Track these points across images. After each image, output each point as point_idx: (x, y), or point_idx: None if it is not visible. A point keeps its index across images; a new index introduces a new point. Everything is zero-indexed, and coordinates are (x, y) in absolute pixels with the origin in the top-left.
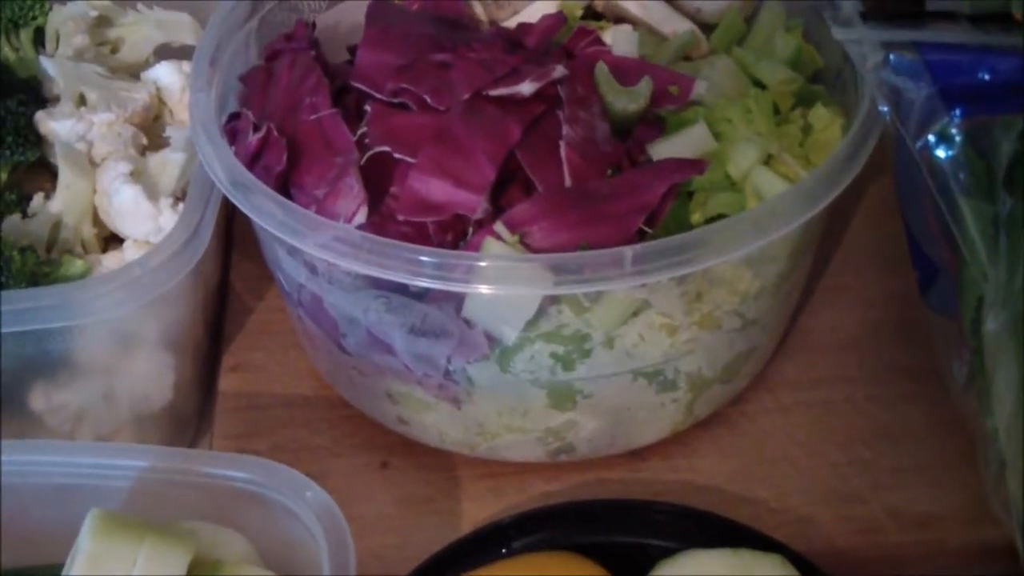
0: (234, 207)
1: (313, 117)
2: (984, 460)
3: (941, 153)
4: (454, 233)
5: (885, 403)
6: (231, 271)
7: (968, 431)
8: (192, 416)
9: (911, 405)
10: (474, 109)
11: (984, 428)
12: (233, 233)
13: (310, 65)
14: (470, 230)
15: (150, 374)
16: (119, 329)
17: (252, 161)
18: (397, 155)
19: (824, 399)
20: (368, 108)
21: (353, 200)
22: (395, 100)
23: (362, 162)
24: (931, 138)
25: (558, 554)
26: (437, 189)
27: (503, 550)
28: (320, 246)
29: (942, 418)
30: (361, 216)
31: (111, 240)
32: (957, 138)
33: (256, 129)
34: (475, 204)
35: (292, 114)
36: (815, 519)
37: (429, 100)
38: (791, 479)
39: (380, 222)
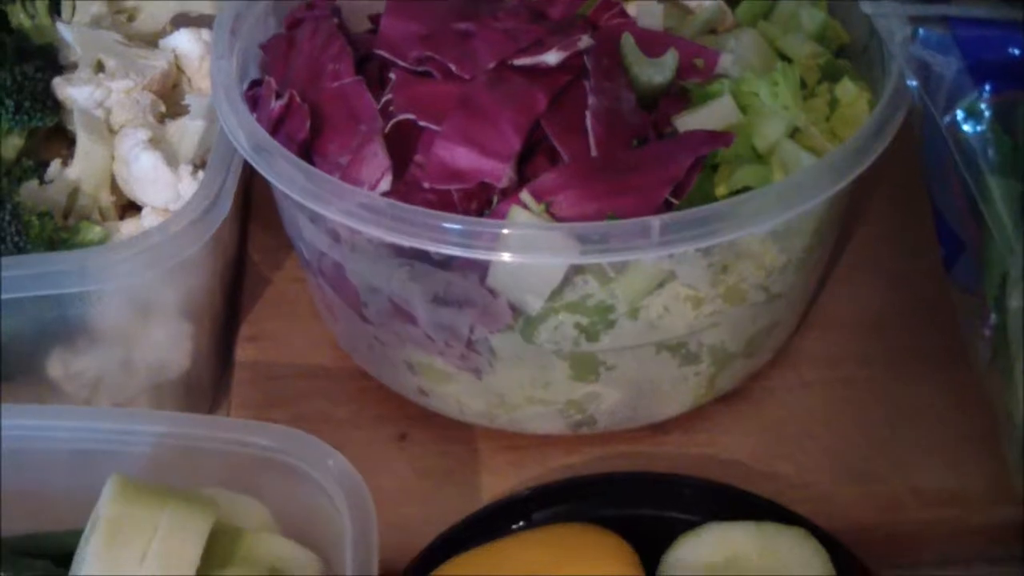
0: (252, 177)
1: (336, 84)
2: (1007, 438)
3: (969, 129)
4: (479, 202)
5: (907, 381)
6: (248, 242)
7: (991, 409)
8: (209, 386)
9: (933, 383)
10: (499, 78)
11: (1007, 406)
12: (251, 203)
13: (333, 33)
14: (495, 199)
15: (167, 342)
16: (137, 296)
17: (274, 128)
18: (422, 123)
19: (846, 376)
20: (392, 76)
21: (377, 167)
22: (419, 68)
23: (386, 130)
24: (959, 114)
25: (579, 526)
26: (463, 157)
27: (523, 522)
28: (344, 212)
29: (964, 397)
30: (385, 184)
31: (128, 208)
32: (986, 114)
33: (278, 96)
34: (501, 172)
35: (315, 82)
36: (837, 496)
37: (454, 68)
38: (813, 456)
39: (405, 190)
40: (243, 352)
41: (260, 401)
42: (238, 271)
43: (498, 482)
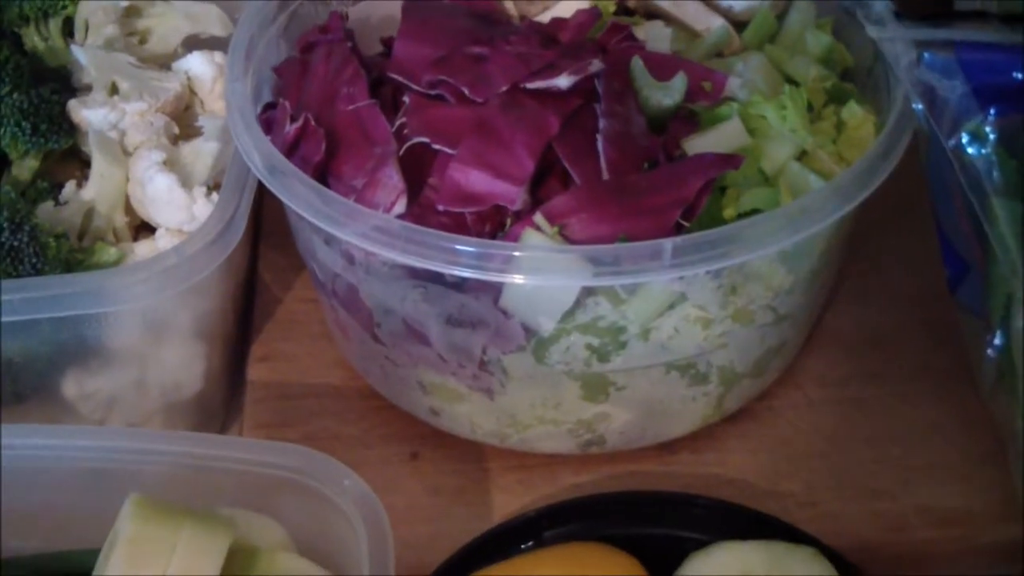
0: (263, 198)
1: (351, 108)
2: (1013, 458)
3: (974, 152)
4: (492, 224)
5: (913, 400)
6: (259, 262)
7: (997, 429)
8: (220, 406)
9: (939, 402)
10: (513, 102)
11: (1013, 426)
12: (261, 224)
13: (347, 56)
14: (508, 221)
15: (181, 363)
16: (152, 317)
17: (289, 151)
18: (436, 146)
19: (852, 395)
20: (406, 99)
21: (392, 190)
22: (432, 92)
23: (400, 153)
24: (964, 136)
25: (590, 545)
26: (477, 180)
27: (534, 541)
28: (359, 235)
29: (970, 416)
30: (400, 206)
31: (142, 228)
32: (990, 137)
33: (293, 119)
34: (515, 195)
35: (329, 105)
36: (844, 515)
37: (467, 92)
38: (819, 475)
39: (419, 212)
40: (255, 372)
41: (272, 421)
42: (250, 291)
43: (509, 501)
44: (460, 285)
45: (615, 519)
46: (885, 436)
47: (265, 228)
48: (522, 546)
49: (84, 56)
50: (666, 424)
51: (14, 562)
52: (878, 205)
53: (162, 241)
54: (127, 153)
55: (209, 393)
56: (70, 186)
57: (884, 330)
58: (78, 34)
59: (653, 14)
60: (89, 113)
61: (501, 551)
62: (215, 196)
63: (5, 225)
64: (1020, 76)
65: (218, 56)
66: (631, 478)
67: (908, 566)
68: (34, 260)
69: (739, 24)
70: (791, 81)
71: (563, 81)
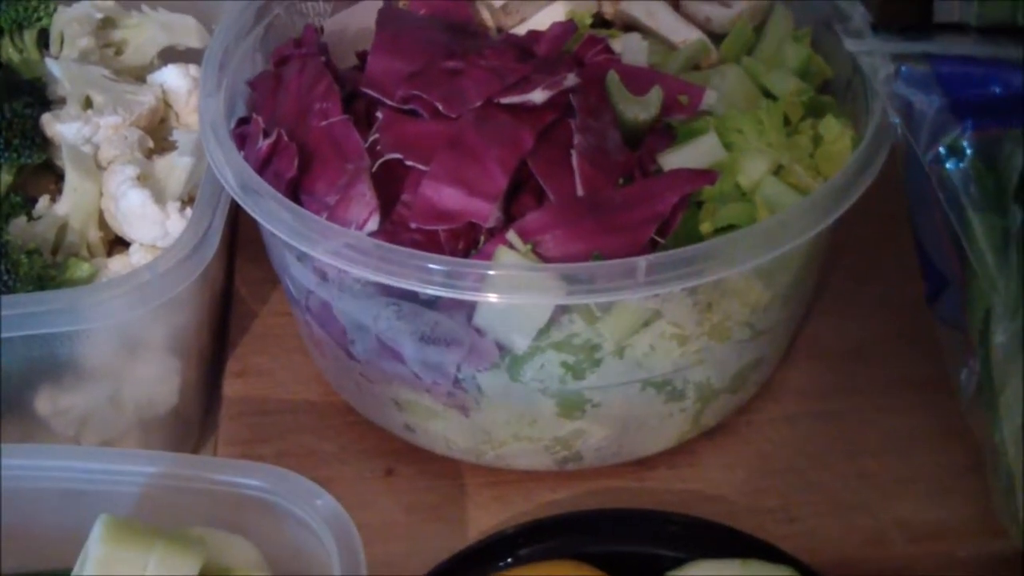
0: (238, 210)
1: (324, 123)
2: (993, 472)
3: (951, 165)
4: (466, 241)
5: (892, 413)
6: (235, 275)
7: (976, 442)
8: (196, 421)
9: (918, 415)
10: (486, 117)
11: (992, 440)
12: (237, 237)
13: (320, 71)
14: (482, 238)
15: (155, 378)
16: (125, 333)
17: (262, 167)
18: (409, 162)
19: (830, 409)
20: (379, 115)
21: (365, 207)
22: (406, 107)
23: (373, 169)
24: (942, 150)
25: (566, 563)
26: (449, 197)
27: (510, 559)
28: (331, 253)
29: (950, 428)
30: (373, 223)
31: (116, 243)
32: (968, 151)
33: (266, 135)
34: (487, 212)
35: (302, 120)
36: (822, 530)
37: (440, 107)
38: (798, 490)
39: (392, 229)
40: (230, 387)
41: (247, 437)
42: (225, 304)
43: (484, 517)
44: (433, 303)
45: (592, 537)
46: (864, 450)
47: (241, 240)
48: (499, 564)
49: (58, 69)
50: (643, 440)
51: None
52: (856, 217)
53: (136, 256)
54: (101, 167)
55: (184, 409)
56: (43, 201)
57: (863, 343)
58: (53, 46)
59: (630, 26)
60: (63, 127)
61: (477, 569)
62: (189, 211)
63: None
64: (998, 90)
65: (193, 69)
66: (608, 494)
67: None
68: (5, 278)
69: (716, 36)
70: (768, 94)
71: (537, 96)
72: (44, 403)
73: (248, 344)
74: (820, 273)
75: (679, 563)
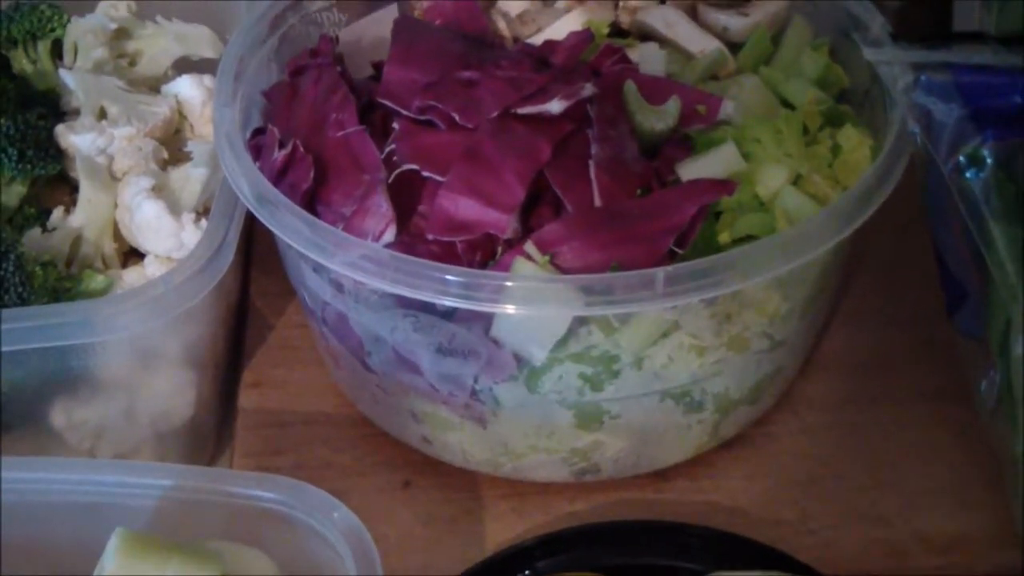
0: (254, 221)
1: (340, 134)
2: (1012, 484)
3: (971, 175)
4: (483, 252)
5: (911, 425)
6: (251, 286)
7: (996, 454)
8: (212, 433)
9: (937, 427)
10: (503, 127)
11: (1012, 452)
12: (253, 248)
13: (336, 81)
14: (499, 249)
15: (171, 391)
16: (141, 345)
17: (278, 177)
18: (426, 173)
19: (849, 420)
20: (396, 126)
21: (381, 218)
22: (422, 117)
23: (389, 180)
24: (962, 160)
25: (585, 575)
26: (467, 208)
27: (528, 571)
28: (348, 264)
29: (969, 440)
30: (389, 235)
31: (130, 255)
32: (988, 161)
33: (282, 145)
34: (505, 224)
35: (318, 131)
36: (841, 542)
37: (457, 118)
38: (817, 501)
39: (408, 241)
40: (246, 399)
41: (263, 448)
42: (241, 316)
43: (502, 530)
44: (451, 314)
45: (610, 549)
46: (883, 461)
47: (257, 252)
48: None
49: (72, 80)
50: (661, 452)
51: None
52: (875, 227)
53: (151, 268)
54: (115, 179)
55: (200, 421)
56: (58, 212)
57: (882, 353)
58: (67, 56)
59: (647, 36)
60: (77, 138)
61: None
62: (204, 222)
63: None
64: (1018, 99)
65: (207, 79)
66: (626, 506)
67: None
68: (20, 290)
69: (734, 45)
70: (787, 104)
71: (555, 106)
72: (59, 416)
73: (264, 356)
74: (839, 284)
75: (698, 575)
